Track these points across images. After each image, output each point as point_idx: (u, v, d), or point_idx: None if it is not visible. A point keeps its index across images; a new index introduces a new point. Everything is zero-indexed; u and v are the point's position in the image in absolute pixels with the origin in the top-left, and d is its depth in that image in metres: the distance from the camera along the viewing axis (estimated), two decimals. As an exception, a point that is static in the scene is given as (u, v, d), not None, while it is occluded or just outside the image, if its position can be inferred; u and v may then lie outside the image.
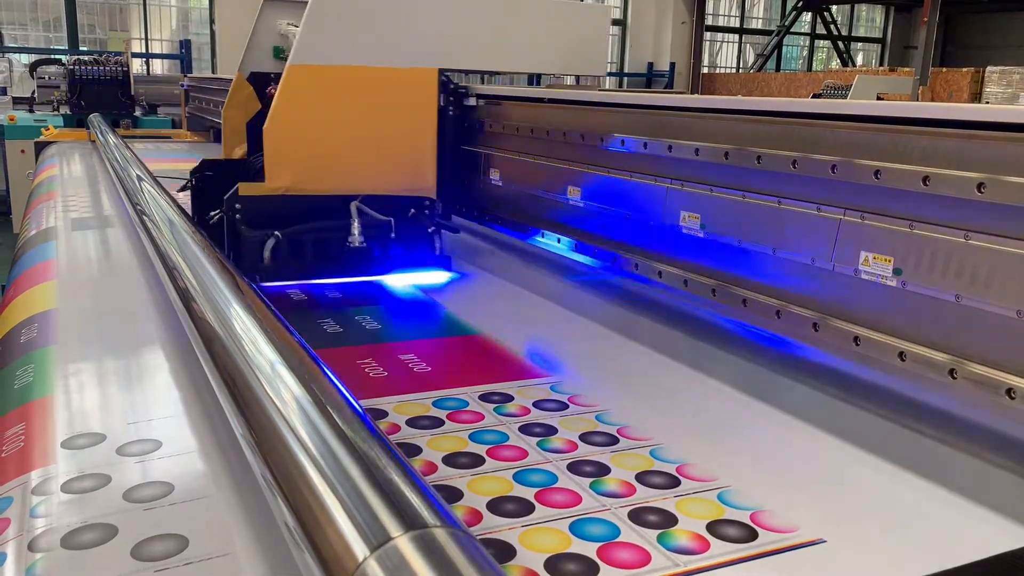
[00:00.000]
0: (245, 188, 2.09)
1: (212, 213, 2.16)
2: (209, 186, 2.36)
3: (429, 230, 2.22)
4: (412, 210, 2.21)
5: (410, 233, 2.20)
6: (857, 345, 1.25)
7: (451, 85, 2.38)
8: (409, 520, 0.61)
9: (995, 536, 0.99)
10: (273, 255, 2.07)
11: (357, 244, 2.11)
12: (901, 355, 1.18)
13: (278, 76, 2.27)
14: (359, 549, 0.59)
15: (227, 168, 2.45)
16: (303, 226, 2.10)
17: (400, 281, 2.17)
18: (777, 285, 1.42)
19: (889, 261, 1.21)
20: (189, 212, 2.20)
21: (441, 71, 2.28)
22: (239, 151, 2.75)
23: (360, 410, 0.86)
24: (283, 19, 2.69)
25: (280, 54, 2.60)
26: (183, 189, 2.56)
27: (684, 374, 1.53)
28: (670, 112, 1.69)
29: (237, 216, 2.06)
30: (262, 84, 2.72)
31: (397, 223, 2.16)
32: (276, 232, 2.06)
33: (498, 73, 2.57)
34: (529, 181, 2.20)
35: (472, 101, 2.41)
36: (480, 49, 2.37)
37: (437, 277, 2.20)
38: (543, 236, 2.10)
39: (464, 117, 2.42)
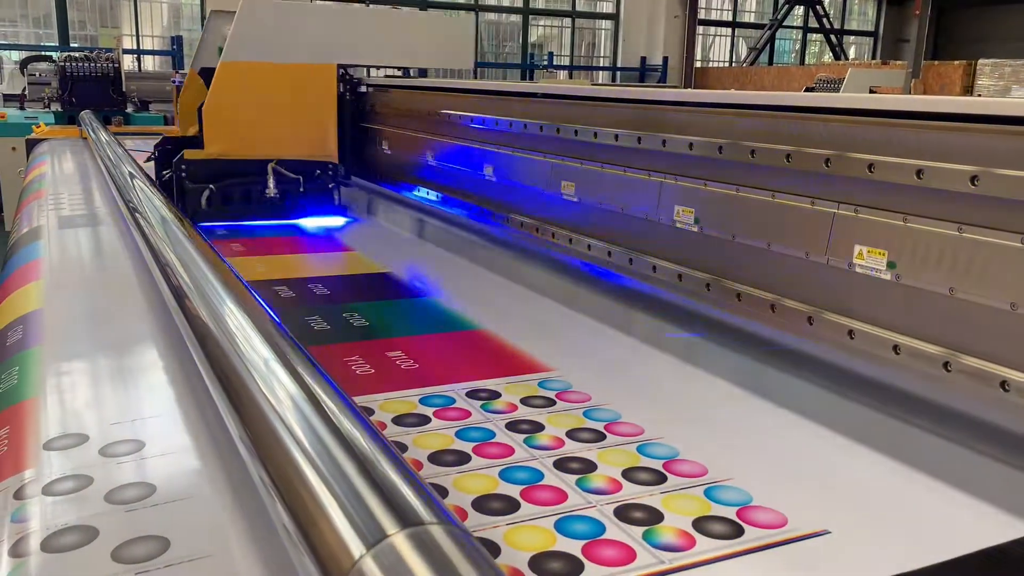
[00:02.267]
0: (189, 154, 2.90)
1: (164, 172, 2.97)
2: (168, 155, 3.00)
3: (330, 186, 3.08)
4: (318, 171, 3.05)
5: (316, 188, 3.06)
6: (851, 339, 1.25)
7: (347, 76, 3.18)
8: (405, 517, 0.61)
9: (989, 528, 0.99)
10: (208, 202, 2.89)
11: (272, 195, 2.94)
12: (895, 348, 1.19)
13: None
14: (355, 547, 0.59)
15: (181, 142, 3.06)
16: (231, 181, 2.92)
17: (310, 224, 3.00)
18: (771, 279, 1.42)
19: (883, 254, 1.21)
20: (153, 177, 2.69)
21: (339, 66, 3.09)
22: (192, 129, 3.26)
23: (354, 407, 0.86)
24: (226, 26, 3.23)
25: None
26: (148, 160, 3.21)
27: (675, 366, 1.53)
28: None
29: (183, 175, 2.88)
30: (209, 77, 3.14)
31: (305, 180, 3.01)
32: (211, 185, 2.88)
33: (384, 67, 3.47)
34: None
35: (364, 89, 3.24)
36: (370, 49, 3.20)
37: (337, 221, 3.04)
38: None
39: (359, 101, 3.24)
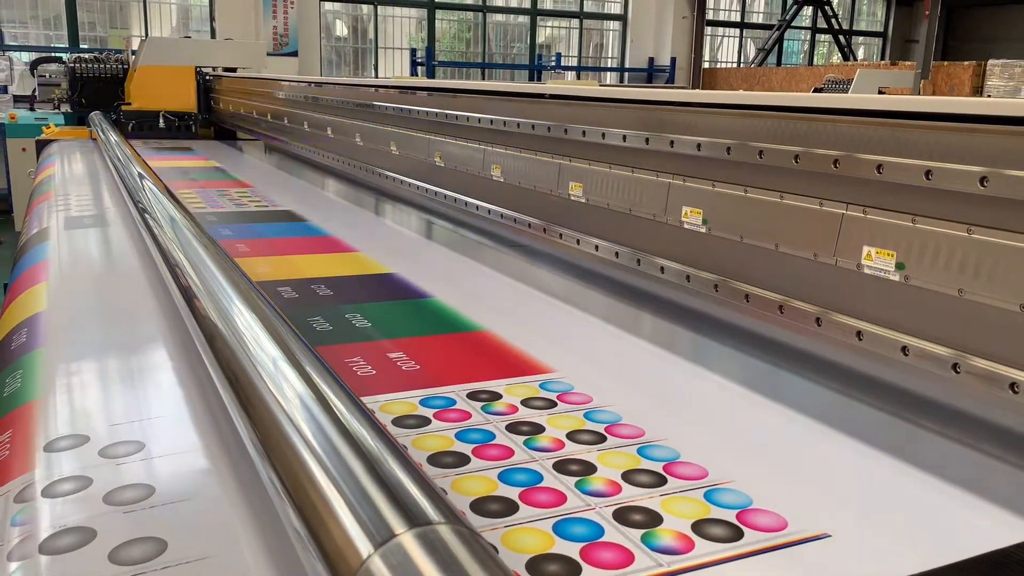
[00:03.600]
0: (123, 107, 5.93)
1: (113, 116, 5.77)
2: (117, 112, 5.96)
3: (190, 124, 6.01)
4: (186, 117, 6.01)
5: (184, 125, 6.02)
6: (860, 340, 1.25)
7: (202, 72, 6.19)
8: (413, 517, 0.61)
9: (997, 531, 0.99)
10: (132, 129, 5.79)
11: (162, 127, 5.92)
12: (904, 350, 1.18)
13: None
14: (363, 546, 0.59)
15: (125, 104, 6.03)
16: (142, 119, 5.91)
17: (179, 143, 5.73)
18: (780, 280, 1.42)
19: (892, 255, 1.21)
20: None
21: (196, 67, 6.14)
22: (131, 98, 6.21)
23: (363, 407, 0.86)
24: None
25: None
26: (112, 116, 5.87)
27: (681, 367, 1.53)
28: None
29: (120, 117, 5.88)
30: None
31: (178, 120, 5.98)
32: (133, 121, 5.88)
33: (215, 66, 6.29)
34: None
35: (208, 77, 6.22)
36: (209, 57, 6.33)
37: (194, 143, 5.77)
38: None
39: (207, 83, 6.22)
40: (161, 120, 5.90)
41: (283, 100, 4.63)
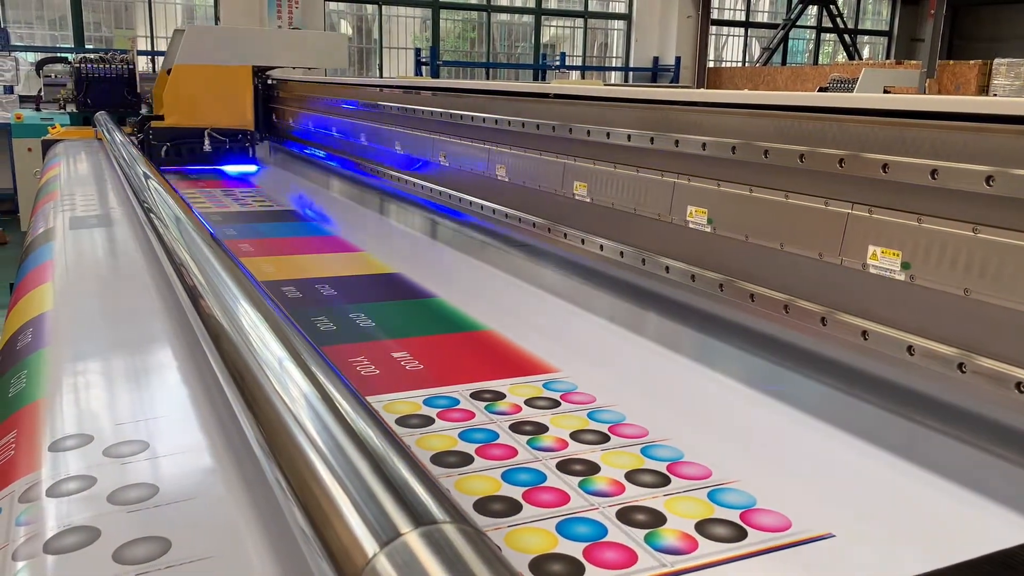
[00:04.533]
0: (154, 124, 4.45)
1: (139, 135, 4.47)
2: (143, 126, 4.52)
3: (247, 145, 4.57)
4: (239, 135, 4.54)
5: (237, 146, 4.56)
6: (865, 339, 1.24)
7: (262, 74, 4.77)
8: (418, 516, 0.61)
9: (1002, 531, 0.98)
10: (165, 154, 4.37)
11: (208, 150, 4.42)
12: (910, 349, 1.18)
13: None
14: (369, 545, 0.59)
15: (155, 118, 4.56)
16: (180, 140, 4.42)
17: (231, 169, 4.52)
18: (785, 280, 1.41)
19: (897, 255, 1.21)
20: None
21: (254, 67, 4.66)
22: (162, 110, 4.74)
23: (368, 406, 0.86)
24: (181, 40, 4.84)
25: None
26: (131, 134, 4.51)
27: (685, 367, 1.53)
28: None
29: (150, 136, 4.40)
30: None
31: (230, 142, 4.51)
32: (167, 143, 4.38)
33: (283, 66, 4.93)
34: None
35: (271, 81, 4.86)
36: (274, 54, 4.82)
37: (250, 168, 4.58)
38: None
39: (268, 89, 4.86)
40: (207, 142, 4.36)
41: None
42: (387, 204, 3.31)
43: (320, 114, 4.05)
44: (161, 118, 4.51)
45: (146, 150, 4.24)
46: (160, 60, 12.78)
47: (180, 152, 4.41)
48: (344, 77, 7.20)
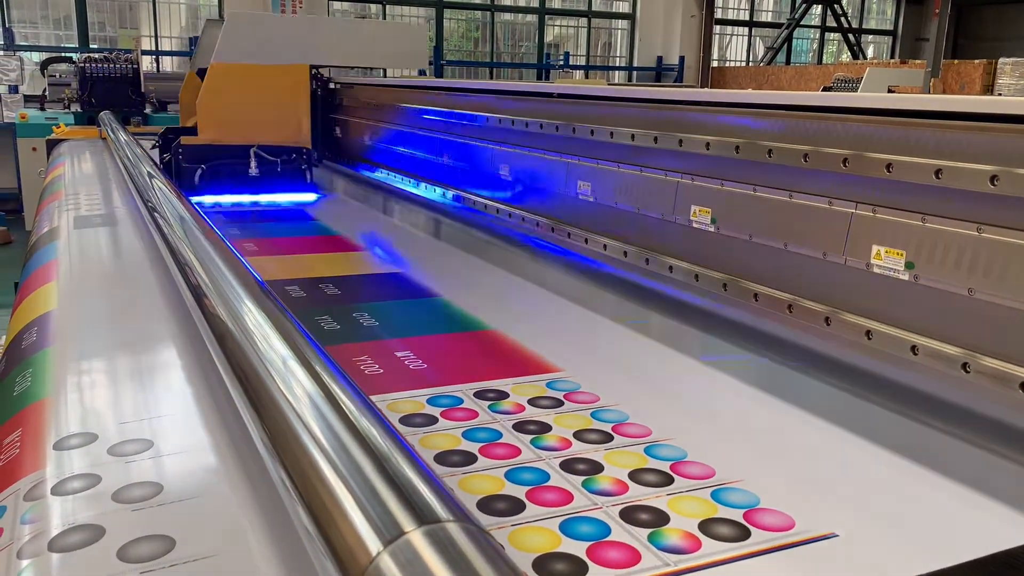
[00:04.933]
0: (185, 140, 3.47)
1: (164, 156, 3.53)
2: (169, 143, 3.57)
3: (303, 167, 3.59)
4: (293, 155, 3.56)
5: (291, 169, 3.56)
6: (869, 339, 1.24)
7: (320, 76, 3.80)
8: (422, 515, 0.61)
9: (1006, 531, 0.98)
10: (200, 179, 3.41)
11: (254, 174, 3.45)
12: (914, 349, 1.18)
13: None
14: (373, 544, 0.59)
15: (182, 131, 3.71)
16: (219, 162, 3.43)
17: (284, 199, 3.51)
18: (789, 279, 1.41)
19: (901, 255, 1.20)
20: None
21: (312, 66, 3.69)
22: (191, 121, 3.82)
23: (372, 406, 0.86)
24: (219, 32, 3.78)
25: None
26: (153, 147, 3.62)
27: (689, 366, 1.53)
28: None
29: (180, 157, 3.42)
30: (204, 76, 3.67)
31: (281, 163, 3.52)
32: (202, 165, 3.40)
33: (349, 67, 4.06)
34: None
35: (333, 85, 3.86)
36: (337, 51, 3.79)
37: (308, 197, 3.57)
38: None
39: (329, 96, 3.85)
40: (253, 163, 3.37)
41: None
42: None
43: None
44: (193, 131, 3.58)
45: (174, 173, 3.35)
46: (165, 61, 12.82)
47: (219, 177, 3.41)
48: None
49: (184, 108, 4.16)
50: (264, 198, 3.48)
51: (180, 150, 3.41)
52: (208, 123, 3.47)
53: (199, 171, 3.37)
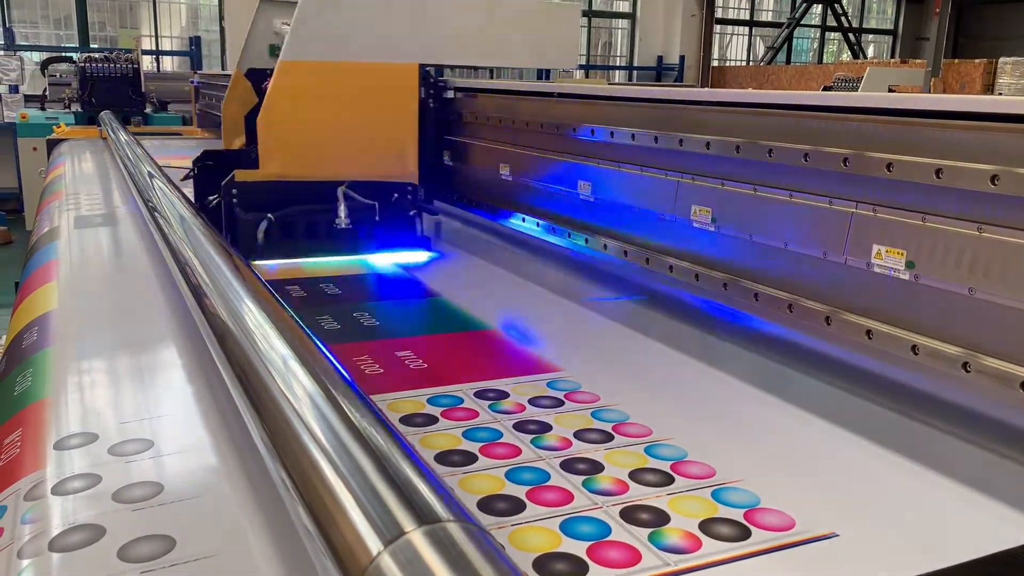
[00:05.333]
0: (241, 175, 2.27)
1: (211, 198, 2.36)
2: (210, 174, 2.49)
3: (411, 213, 2.41)
4: (395, 195, 2.40)
5: (393, 216, 2.38)
6: (870, 339, 1.24)
7: (431, 79, 2.59)
8: (423, 515, 0.61)
9: (1006, 530, 0.98)
10: (266, 235, 2.27)
11: (344, 226, 2.28)
12: (914, 349, 1.18)
13: (273, 72, 2.41)
14: (373, 543, 0.59)
15: (226, 157, 2.59)
16: (293, 209, 2.29)
17: (383, 260, 2.34)
18: (789, 279, 1.41)
19: (902, 254, 1.20)
20: (192, 199, 2.22)
21: (422, 66, 2.48)
22: (238, 142, 2.94)
23: (373, 405, 0.86)
24: (278, 19, 2.87)
25: (275, 52, 2.63)
26: (186, 178, 2.69)
27: (690, 366, 1.53)
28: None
29: (234, 200, 2.26)
30: (258, 80, 2.76)
31: (381, 206, 2.36)
32: (269, 215, 2.26)
33: (474, 67, 2.82)
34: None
35: (451, 94, 2.61)
36: (458, 44, 2.56)
37: (418, 256, 2.38)
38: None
39: (444, 108, 2.63)
40: (342, 209, 2.30)
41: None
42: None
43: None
44: (242, 158, 2.53)
45: (225, 224, 2.28)
46: (165, 61, 12.81)
47: (293, 231, 2.31)
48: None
49: (230, 124, 3.01)
50: (352, 261, 2.32)
51: (235, 190, 2.25)
52: (274, 149, 2.31)
53: (264, 224, 2.25)
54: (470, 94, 2.57)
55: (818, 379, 1.37)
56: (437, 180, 2.63)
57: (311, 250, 2.32)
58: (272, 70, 2.44)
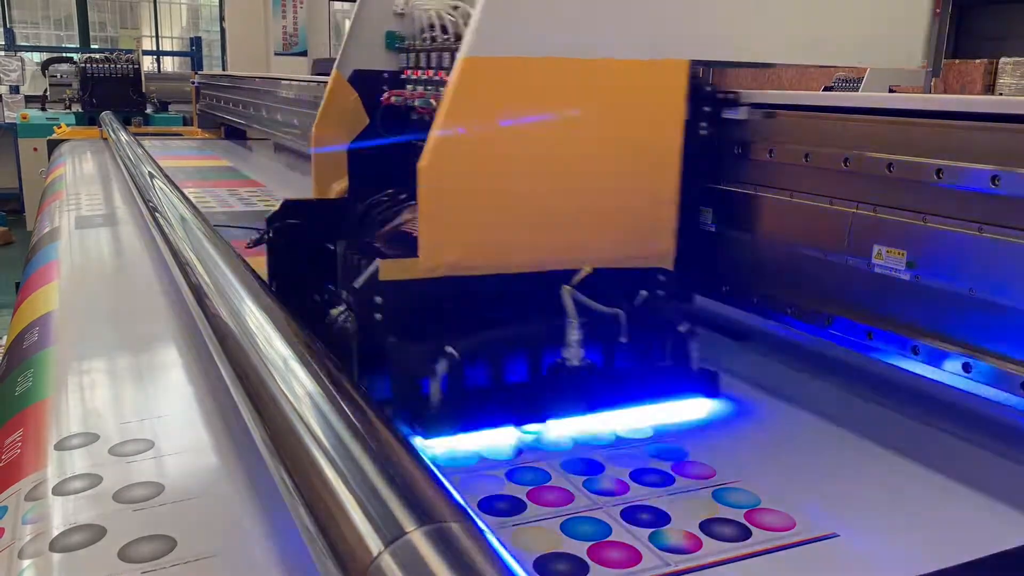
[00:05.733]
0: (389, 269, 1.16)
1: (335, 312, 1.26)
2: (295, 240, 1.52)
3: (681, 329, 1.29)
4: (643, 292, 1.31)
5: (641, 331, 1.27)
6: (870, 339, 1.24)
7: (706, 88, 1.48)
8: (424, 515, 0.61)
9: (1007, 530, 0.98)
10: (446, 386, 1.12)
11: (576, 363, 1.20)
12: (914, 349, 1.18)
13: (393, 75, 1.60)
14: (373, 543, 0.59)
15: (320, 213, 1.58)
16: (495, 333, 1.18)
17: (632, 422, 1.24)
18: (789, 280, 1.41)
19: (902, 255, 1.20)
20: (265, 280, 1.45)
21: (692, 64, 1.33)
22: (337, 187, 1.67)
23: (373, 405, 0.86)
24: None
25: (396, 43, 1.67)
26: (257, 243, 1.60)
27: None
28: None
29: (376, 314, 1.17)
30: (371, 88, 1.68)
31: (627, 315, 1.24)
32: (449, 347, 1.12)
33: (770, 65, 1.62)
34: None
35: (739, 113, 1.47)
36: (748, 32, 1.42)
37: (694, 412, 1.29)
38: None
39: (725, 138, 1.48)
40: (573, 333, 1.14)
41: None
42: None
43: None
44: (373, 218, 1.44)
45: (363, 365, 1.19)
46: (166, 62, 12.78)
47: (495, 374, 1.17)
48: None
49: (325, 158, 1.65)
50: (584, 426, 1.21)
51: (380, 297, 1.16)
52: (453, 217, 1.17)
53: (445, 363, 1.11)
54: (778, 114, 1.42)
55: (818, 379, 1.37)
56: (710, 260, 1.51)
57: (525, 412, 1.19)
58: (392, 73, 1.63)
